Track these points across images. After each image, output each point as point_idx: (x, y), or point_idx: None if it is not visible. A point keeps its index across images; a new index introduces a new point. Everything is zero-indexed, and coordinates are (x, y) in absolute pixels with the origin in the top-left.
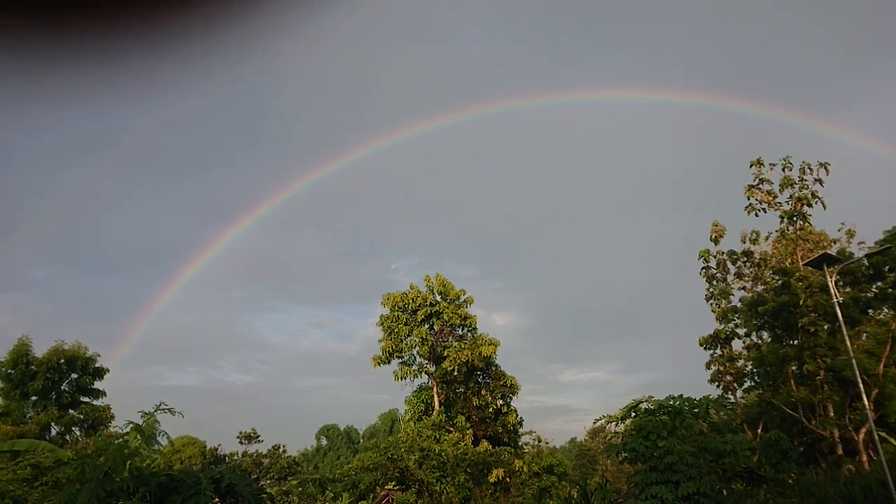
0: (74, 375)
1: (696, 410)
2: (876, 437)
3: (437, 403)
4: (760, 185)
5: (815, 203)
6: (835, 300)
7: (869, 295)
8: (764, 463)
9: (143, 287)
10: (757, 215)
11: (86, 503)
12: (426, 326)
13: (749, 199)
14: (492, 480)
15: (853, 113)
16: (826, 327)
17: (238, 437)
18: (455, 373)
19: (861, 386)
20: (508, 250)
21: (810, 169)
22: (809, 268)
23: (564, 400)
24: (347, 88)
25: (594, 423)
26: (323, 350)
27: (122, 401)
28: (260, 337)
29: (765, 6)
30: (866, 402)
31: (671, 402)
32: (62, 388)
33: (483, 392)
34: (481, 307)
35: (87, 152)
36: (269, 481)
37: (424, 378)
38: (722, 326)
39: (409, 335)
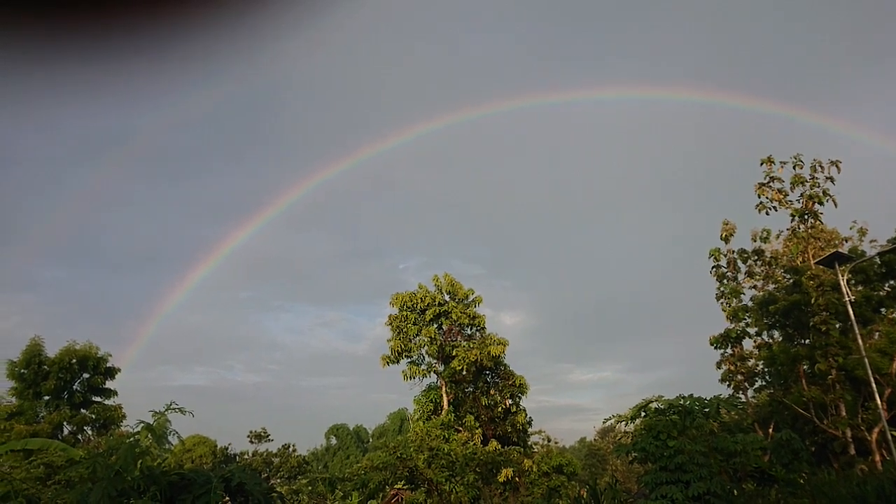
0: (86, 375)
1: (706, 410)
2: (889, 437)
3: (445, 403)
4: (771, 183)
5: (827, 201)
6: (847, 299)
7: (881, 293)
8: (775, 463)
9: (151, 287)
10: (768, 213)
11: (97, 501)
12: (435, 326)
13: (760, 198)
14: (501, 480)
15: (865, 110)
16: (838, 326)
17: (248, 437)
18: (464, 372)
19: (874, 385)
20: (517, 249)
21: (821, 167)
22: (821, 266)
23: (574, 399)
24: (353, 88)
25: (604, 422)
26: (332, 350)
27: (132, 400)
28: (269, 337)
29: (767, 1)
30: (879, 402)
31: (681, 402)
32: (74, 387)
33: (492, 391)
34: (490, 307)
35: (95, 153)
36: (279, 480)
37: (433, 378)
38: (733, 325)
39: (417, 335)
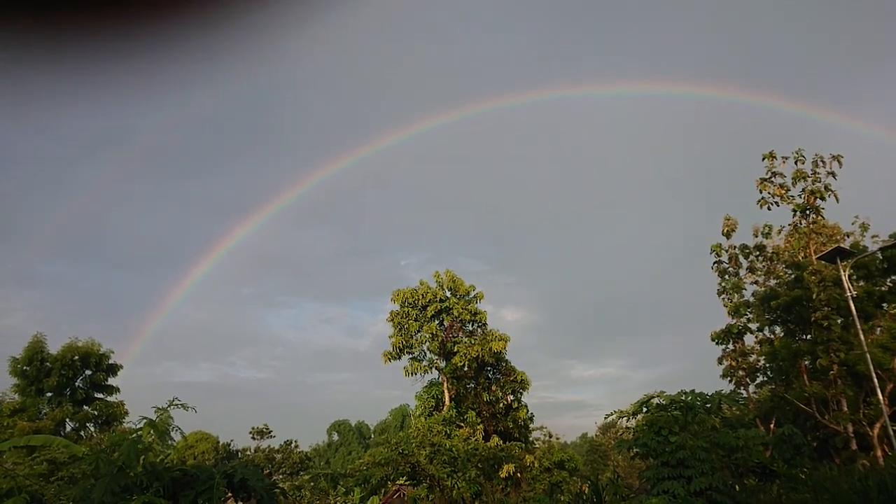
0: (88, 372)
1: (708, 405)
2: (891, 432)
3: (447, 399)
4: (773, 179)
5: (829, 196)
6: (848, 294)
7: (883, 289)
8: (777, 458)
9: (154, 284)
10: (769, 209)
11: (100, 498)
12: (436, 322)
13: (761, 193)
14: (503, 476)
15: (867, 104)
16: (839, 321)
17: (250, 433)
18: (465, 368)
19: (875, 380)
20: (518, 245)
21: (823, 162)
22: (822, 262)
23: (575, 395)
24: (354, 87)
25: (605, 418)
26: (334, 346)
27: (135, 397)
28: (271, 333)
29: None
30: (881, 397)
31: (683, 398)
32: (77, 384)
33: (493, 387)
34: (491, 303)
35: (98, 151)
36: (281, 476)
37: (435, 374)
38: (734, 321)
39: (419, 331)
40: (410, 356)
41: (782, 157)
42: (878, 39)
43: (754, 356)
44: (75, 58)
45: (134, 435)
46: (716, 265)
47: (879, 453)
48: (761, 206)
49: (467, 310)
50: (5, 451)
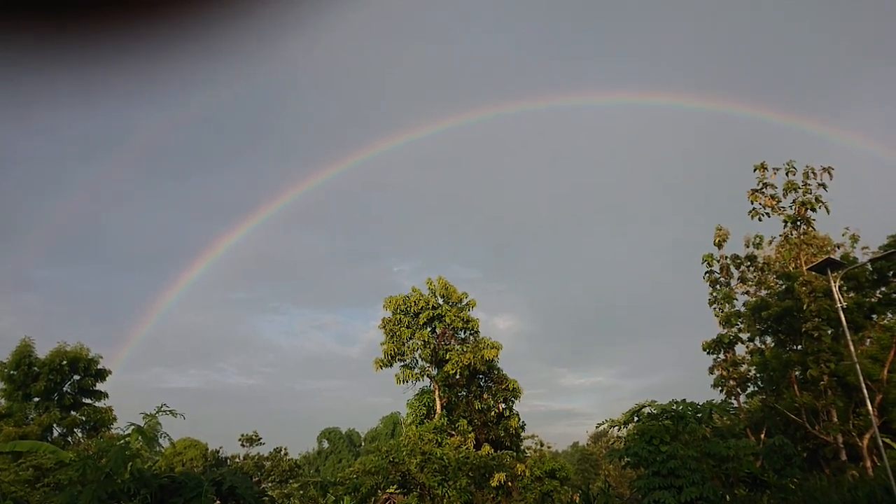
0: (77, 377)
1: (699, 415)
2: (880, 443)
3: (438, 407)
4: (764, 190)
5: (819, 207)
6: (838, 305)
7: (873, 300)
8: (767, 468)
9: (146, 288)
10: (760, 219)
11: None
12: (428, 329)
13: (753, 204)
14: (493, 484)
15: (858, 116)
16: (830, 332)
17: (239, 440)
18: (457, 376)
19: (865, 391)
20: (512, 253)
21: (814, 173)
22: (813, 272)
23: (567, 404)
24: (352, 89)
25: (597, 427)
26: (325, 353)
27: (123, 402)
28: (262, 339)
29: (767, 8)
30: (870, 408)
31: (674, 407)
32: (64, 389)
33: (485, 396)
34: (484, 310)
35: (91, 153)
36: (270, 484)
37: (426, 381)
38: (725, 331)
39: (411, 338)
40: (402, 364)
41: (773, 168)
42: (876, 45)
43: (745, 366)
44: (75, 58)
45: (122, 441)
46: (707, 275)
47: (869, 464)
48: (753, 217)
49: (459, 317)
50: None
